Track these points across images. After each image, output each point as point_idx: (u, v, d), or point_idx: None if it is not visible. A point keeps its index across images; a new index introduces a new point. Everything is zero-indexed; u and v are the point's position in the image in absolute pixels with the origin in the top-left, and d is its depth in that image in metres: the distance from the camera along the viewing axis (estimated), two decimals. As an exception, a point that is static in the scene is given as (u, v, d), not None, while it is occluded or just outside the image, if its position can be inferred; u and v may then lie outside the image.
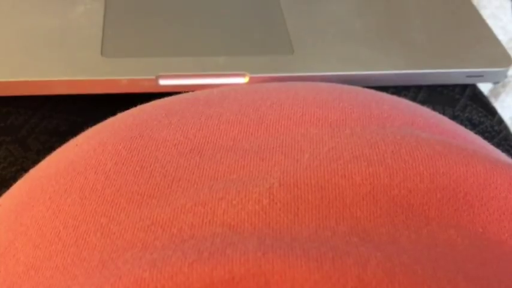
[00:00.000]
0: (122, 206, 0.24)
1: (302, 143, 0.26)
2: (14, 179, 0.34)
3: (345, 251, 0.20)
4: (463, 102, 0.41)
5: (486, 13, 0.54)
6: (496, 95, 0.50)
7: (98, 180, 0.25)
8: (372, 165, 0.24)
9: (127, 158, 0.26)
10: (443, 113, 0.40)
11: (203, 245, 0.20)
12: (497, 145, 0.40)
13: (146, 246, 0.21)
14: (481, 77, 0.40)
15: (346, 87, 0.32)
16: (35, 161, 0.36)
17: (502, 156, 0.31)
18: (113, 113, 0.33)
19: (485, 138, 0.36)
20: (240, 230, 0.21)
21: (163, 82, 0.36)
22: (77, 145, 0.29)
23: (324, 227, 0.22)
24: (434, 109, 0.40)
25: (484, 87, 0.47)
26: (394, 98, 0.32)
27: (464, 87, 0.42)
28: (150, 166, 0.26)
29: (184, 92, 0.36)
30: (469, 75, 0.40)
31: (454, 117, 0.40)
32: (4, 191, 0.30)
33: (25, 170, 0.35)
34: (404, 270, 0.19)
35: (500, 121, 0.42)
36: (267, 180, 0.23)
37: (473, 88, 0.42)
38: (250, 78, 0.37)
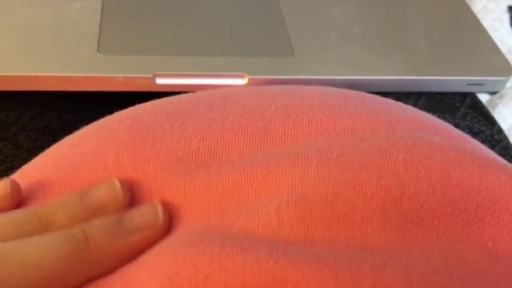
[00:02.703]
0: None
1: (309, 151, 0.25)
2: (3, 177, 0.33)
3: (360, 259, 0.19)
4: (463, 111, 0.41)
5: (484, 25, 0.53)
6: (493, 106, 0.50)
7: None
8: (383, 177, 0.23)
9: (131, 175, 0.26)
10: (444, 121, 0.40)
11: (212, 251, 0.20)
12: (498, 154, 0.39)
13: None
14: (482, 85, 0.40)
15: (351, 92, 0.31)
16: (26, 160, 0.34)
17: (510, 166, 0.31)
18: (107, 113, 0.32)
19: (486, 147, 0.35)
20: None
21: (160, 81, 0.35)
22: (74, 145, 0.28)
23: (335, 245, 0.21)
24: (434, 117, 0.39)
25: (481, 98, 0.47)
26: (401, 104, 0.31)
27: (464, 95, 0.41)
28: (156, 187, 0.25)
29: (182, 92, 0.35)
30: (470, 84, 0.39)
31: (454, 125, 0.40)
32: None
33: (15, 168, 0.34)
34: (422, 280, 0.19)
35: (500, 130, 0.41)
36: (276, 198, 0.23)
37: (473, 97, 0.42)
38: (250, 80, 0.36)
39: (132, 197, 0.25)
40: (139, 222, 0.23)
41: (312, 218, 0.22)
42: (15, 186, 0.25)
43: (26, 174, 0.28)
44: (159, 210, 0.24)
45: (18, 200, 0.25)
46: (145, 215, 0.23)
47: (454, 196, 0.23)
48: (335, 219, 0.22)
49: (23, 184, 0.26)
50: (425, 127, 0.28)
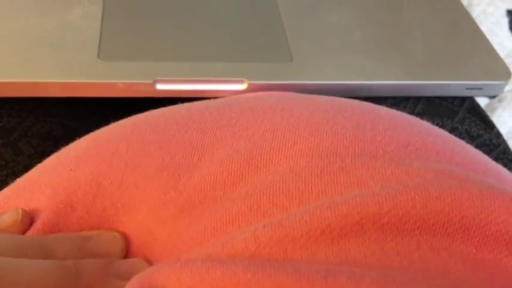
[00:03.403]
0: None
1: (290, 185, 0.25)
2: (4, 183, 0.33)
3: (338, 270, 0.19)
4: (461, 115, 0.41)
5: (483, 29, 0.54)
6: (493, 109, 0.50)
7: None
8: (359, 196, 0.23)
9: None
10: (442, 125, 0.40)
11: (194, 265, 0.20)
12: (496, 159, 0.39)
13: None
14: (480, 89, 0.40)
15: (343, 104, 0.31)
16: (27, 166, 0.35)
17: (504, 171, 0.31)
18: (107, 119, 0.32)
19: (484, 151, 0.35)
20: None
21: (160, 87, 0.36)
22: (71, 169, 0.28)
23: (314, 262, 0.21)
24: (433, 121, 0.39)
25: (480, 102, 0.47)
26: (392, 115, 0.31)
27: (463, 100, 0.42)
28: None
29: (181, 97, 0.35)
30: (469, 88, 0.39)
31: (452, 129, 0.40)
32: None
33: (16, 174, 0.34)
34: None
35: (499, 135, 0.42)
36: (254, 226, 0.23)
37: (472, 101, 0.42)
38: (249, 85, 0.36)
39: (128, 249, 0.27)
40: (126, 272, 0.25)
41: (289, 239, 0.22)
42: (25, 215, 0.27)
43: (25, 197, 0.28)
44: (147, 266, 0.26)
45: (26, 228, 0.27)
46: (133, 267, 0.26)
47: (435, 207, 0.23)
48: (312, 238, 0.22)
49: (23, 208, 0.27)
50: (411, 143, 0.28)
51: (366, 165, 0.26)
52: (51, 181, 0.28)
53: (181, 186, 0.27)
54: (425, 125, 0.31)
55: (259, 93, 0.34)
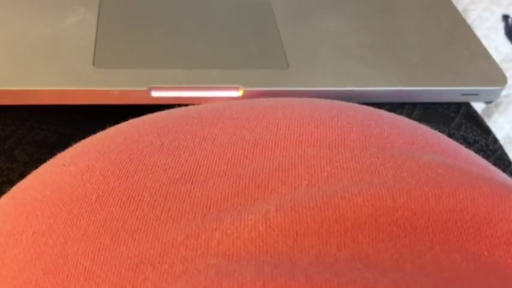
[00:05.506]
0: (105, 244, 0.22)
1: (299, 167, 0.25)
2: (-1, 191, 0.33)
3: (350, 277, 0.19)
4: (458, 121, 0.41)
5: (478, 34, 0.54)
6: (489, 114, 0.50)
7: (82, 215, 0.24)
8: (374, 187, 0.22)
9: (114, 187, 0.25)
10: (438, 131, 0.40)
11: (197, 280, 0.19)
12: (493, 164, 0.39)
13: None
14: (476, 95, 0.40)
15: (344, 104, 0.31)
16: (22, 173, 0.35)
17: (503, 175, 0.31)
18: (103, 126, 0.32)
19: (481, 157, 0.35)
20: (236, 258, 0.20)
21: (155, 94, 0.36)
22: (64, 165, 0.27)
23: (325, 253, 0.21)
24: (429, 127, 0.39)
25: (477, 107, 0.47)
26: (394, 116, 0.31)
27: (459, 105, 0.42)
28: (138, 196, 0.24)
29: (177, 104, 0.35)
30: (464, 94, 0.39)
31: (449, 135, 0.40)
32: (-11, 203, 0.29)
33: (11, 182, 0.34)
34: None
35: (495, 140, 0.42)
36: (263, 206, 0.22)
37: (468, 107, 0.42)
38: (244, 92, 0.36)
39: None
40: None
41: (301, 224, 0.21)
42: None
43: (17, 198, 0.27)
44: None
45: None
46: None
47: (448, 204, 0.22)
48: (325, 226, 0.21)
49: (13, 210, 0.26)
50: (416, 141, 0.28)
51: (375, 155, 0.25)
52: (44, 176, 0.27)
53: (183, 159, 0.26)
54: (426, 128, 0.31)
55: (257, 98, 0.34)
